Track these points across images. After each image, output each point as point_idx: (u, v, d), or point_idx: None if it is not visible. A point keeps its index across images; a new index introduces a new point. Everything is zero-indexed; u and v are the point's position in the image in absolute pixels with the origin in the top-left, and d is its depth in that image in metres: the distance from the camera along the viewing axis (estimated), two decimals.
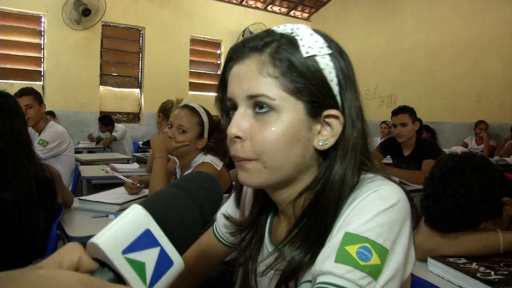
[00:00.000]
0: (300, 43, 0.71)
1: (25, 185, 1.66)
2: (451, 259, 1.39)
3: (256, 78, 0.71)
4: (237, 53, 0.75)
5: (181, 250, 0.51)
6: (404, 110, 3.74)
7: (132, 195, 2.38)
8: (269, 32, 0.75)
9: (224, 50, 9.89)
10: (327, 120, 0.73)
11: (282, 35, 0.73)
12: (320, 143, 0.74)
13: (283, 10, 10.95)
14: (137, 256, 0.45)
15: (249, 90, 0.72)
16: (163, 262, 0.48)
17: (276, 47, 0.72)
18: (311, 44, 0.72)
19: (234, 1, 10.15)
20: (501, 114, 6.79)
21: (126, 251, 0.45)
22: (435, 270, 1.41)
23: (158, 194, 0.56)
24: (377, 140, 7.68)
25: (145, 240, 0.47)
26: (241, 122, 0.73)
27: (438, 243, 1.46)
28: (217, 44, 10.05)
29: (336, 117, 0.73)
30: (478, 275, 1.25)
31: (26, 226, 1.68)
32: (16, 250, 1.65)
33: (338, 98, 0.74)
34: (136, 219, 0.48)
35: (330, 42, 0.75)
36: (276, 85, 0.70)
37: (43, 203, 1.74)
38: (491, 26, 6.98)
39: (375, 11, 9.40)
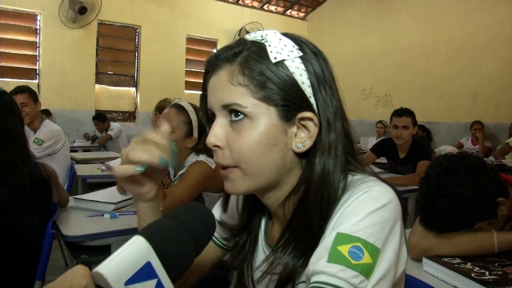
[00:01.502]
0: (269, 49, 0.73)
1: (19, 184, 1.66)
2: (446, 259, 1.40)
3: (228, 87, 0.73)
4: (212, 65, 0.78)
5: (174, 280, 0.53)
6: (407, 113, 3.73)
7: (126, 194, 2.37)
8: (240, 42, 0.77)
9: None
10: (302, 122, 0.75)
11: (252, 43, 0.75)
12: (298, 146, 0.75)
13: (279, 9, 10.96)
14: (137, 287, 0.48)
15: (223, 100, 0.74)
16: None
17: (246, 56, 0.74)
18: (279, 49, 0.73)
19: (230, 0, 10.14)
20: (496, 114, 6.82)
21: (128, 282, 0.47)
22: (430, 270, 1.41)
23: (158, 224, 0.58)
24: (372, 140, 7.72)
25: (145, 272, 0.49)
26: (218, 132, 0.76)
27: (433, 243, 1.46)
28: (213, 43, 10.04)
29: (310, 119, 0.74)
30: (472, 275, 1.25)
31: (21, 225, 1.67)
32: (11, 249, 1.65)
33: (312, 99, 0.75)
34: (138, 251, 0.50)
35: (302, 44, 0.77)
36: (247, 93, 0.72)
37: (38, 202, 1.74)
38: (486, 26, 7.00)
39: (371, 10, 9.42)
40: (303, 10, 11.24)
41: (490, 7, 6.97)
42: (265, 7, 10.69)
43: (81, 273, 0.46)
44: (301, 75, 0.73)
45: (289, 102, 0.73)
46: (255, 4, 10.54)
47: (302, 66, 0.74)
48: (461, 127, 7.31)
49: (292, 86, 0.73)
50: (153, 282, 0.50)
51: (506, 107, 6.63)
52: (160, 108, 3.38)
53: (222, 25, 9.86)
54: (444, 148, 6.12)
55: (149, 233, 0.53)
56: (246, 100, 0.72)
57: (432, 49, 7.94)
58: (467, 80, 7.29)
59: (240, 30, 9.81)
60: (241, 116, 0.73)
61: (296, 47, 0.75)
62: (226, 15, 9.99)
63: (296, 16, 11.33)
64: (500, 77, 6.75)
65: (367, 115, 8.96)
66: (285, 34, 0.78)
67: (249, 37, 0.78)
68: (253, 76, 0.72)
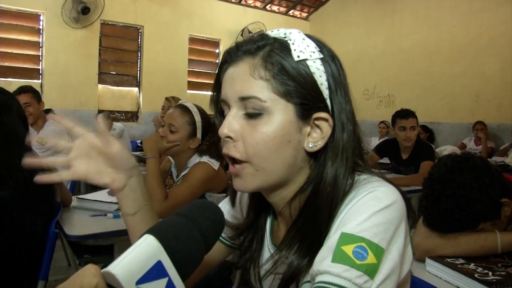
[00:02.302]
0: (292, 47, 0.74)
1: (21, 184, 1.64)
2: (449, 260, 1.40)
3: (248, 80, 0.73)
4: (231, 56, 0.77)
5: (184, 278, 0.53)
6: (413, 114, 3.72)
7: None
8: (263, 36, 0.77)
9: (222, 49, 9.84)
10: (316, 122, 0.75)
11: (275, 39, 0.76)
12: (310, 145, 0.76)
13: (282, 9, 10.94)
14: (148, 286, 0.48)
15: (241, 92, 0.74)
16: None
17: (269, 51, 0.74)
18: (302, 49, 0.74)
19: (233, 0, 10.13)
20: (499, 115, 6.80)
21: (139, 282, 0.47)
22: (433, 270, 1.42)
23: (167, 222, 0.58)
24: (375, 140, 7.71)
25: (156, 271, 0.49)
26: (232, 123, 0.75)
27: (436, 243, 1.46)
28: (215, 43, 10.03)
29: (325, 119, 0.75)
30: (476, 275, 1.26)
31: (24, 225, 1.67)
32: (14, 249, 1.64)
33: (328, 101, 0.75)
34: (149, 250, 0.50)
35: (322, 47, 0.78)
36: (267, 88, 0.72)
37: (41, 201, 1.73)
38: (489, 27, 6.98)
39: (373, 11, 9.41)
40: (305, 10, 11.23)
41: (493, 8, 6.95)
42: (267, 7, 10.67)
43: (91, 272, 0.46)
44: (320, 76, 0.74)
45: (307, 101, 0.73)
46: (258, 4, 10.53)
47: (322, 68, 0.74)
48: (464, 127, 7.30)
49: (312, 85, 0.73)
50: (164, 281, 0.50)
51: (508, 107, 6.60)
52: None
53: (225, 25, 9.85)
54: (445, 148, 6.12)
55: (159, 232, 0.53)
56: (266, 94, 0.72)
57: (435, 49, 7.93)
58: (469, 81, 7.27)
59: (242, 30, 9.80)
60: (258, 111, 0.73)
61: (318, 48, 0.76)
62: (229, 15, 9.98)
63: (298, 16, 11.33)
64: (503, 78, 6.73)
65: (369, 115, 8.94)
66: (307, 35, 0.78)
67: (271, 33, 0.78)
68: (275, 71, 0.72)
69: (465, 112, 7.36)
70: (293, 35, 0.75)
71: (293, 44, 0.74)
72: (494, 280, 1.22)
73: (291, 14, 11.12)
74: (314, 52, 0.75)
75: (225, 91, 0.78)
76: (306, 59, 0.73)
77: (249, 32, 9.51)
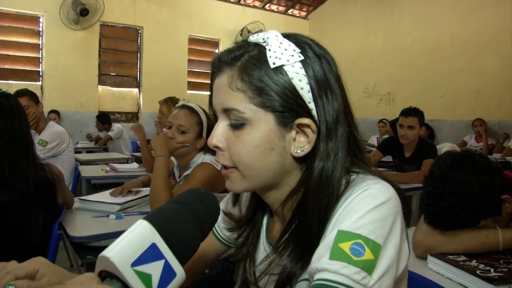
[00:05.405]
0: (268, 54, 0.73)
1: (23, 186, 1.66)
2: (450, 257, 1.40)
3: (228, 92, 0.75)
4: (215, 67, 0.79)
5: (182, 262, 0.54)
6: (414, 114, 3.68)
7: (132, 195, 2.38)
8: (242, 44, 0.77)
9: (222, 49, 9.84)
10: (301, 128, 0.75)
11: (254, 46, 0.75)
12: (297, 151, 0.76)
13: (281, 9, 10.95)
14: (144, 268, 0.49)
15: (223, 103, 0.76)
16: (167, 273, 0.51)
17: (245, 61, 0.74)
18: (278, 54, 0.73)
19: (232, 0, 10.13)
20: (499, 112, 6.80)
21: (135, 264, 0.48)
22: (435, 267, 1.42)
23: (161, 209, 0.59)
24: (374, 138, 7.72)
25: (152, 254, 0.50)
26: (219, 134, 0.78)
27: (437, 240, 1.46)
28: (215, 43, 10.04)
29: (308, 125, 0.74)
30: (477, 272, 1.26)
31: (24, 227, 1.67)
32: (15, 251, 1.64)
33: (312, 105, 0.74)
34: (143, 233, 0.51)
35: (305, 47, 0.76)
36: (245, 99, 0.73)
37: (42, 203, 1.74)
38: (489, 23, 6.98)
39: (373, 9, 9.40)
40: (304, 9, 11.23)
41: (492, 4, 6.95)
42: (266, 6, 10.67)
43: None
44: (300, 80, 0.73)
45: (285, 108, 0.73)
46: (257, 3, 10.53)
47: (302, 71, 0.73)
48: (464, 124, 7.30)
49: (290, 92, 0.72)
50: (161, 263, 0.51)
51: (509, 104, 6.60)
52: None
53: (224, 25, 9.85)
54: (443, 146, 6.11)
55: (152, 217, 0.54)
56: (244, 105, 0.73)
57: (434, 47, 7.93)
58: (469, 78, 7.27)
59: (242, 30, 9.80)
60: (240, 122, 0.74)
61: (298, 50, 0.74)
62: (228, 15, 9.98)
63: (297, 15, 11.32)
64: (503, 74, 6.73)
65: (370, 114, 8.94)
66: (288, 36, 0.77)
67: (252, 38, 0.77)
68: (252, 82, 0.72)
69: (466, 109, 7.36)
70: (270, 40, 0.74)
71: (269, 50, 0.73)
72: (496, 277, 1.22)
73: (290, 13, 11.12)
74: (292, 56, 0.73)
75: (213, 102, 0.80)
76: (283, 65, 0.72)
77: (248, 31, 9.50)
